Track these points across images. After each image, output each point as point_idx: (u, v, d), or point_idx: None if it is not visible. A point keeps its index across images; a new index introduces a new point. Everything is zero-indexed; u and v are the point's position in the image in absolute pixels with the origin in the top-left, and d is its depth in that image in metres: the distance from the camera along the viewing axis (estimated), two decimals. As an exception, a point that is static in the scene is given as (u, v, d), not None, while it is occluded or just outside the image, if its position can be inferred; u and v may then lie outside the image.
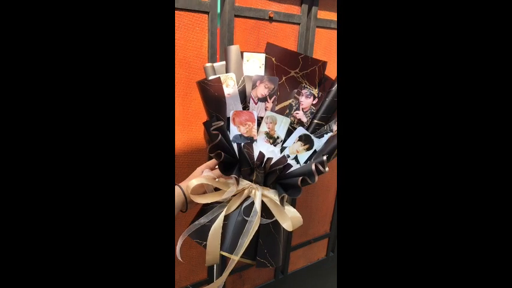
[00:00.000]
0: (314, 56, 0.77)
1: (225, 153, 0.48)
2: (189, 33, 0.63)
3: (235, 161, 0.51)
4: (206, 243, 0.50)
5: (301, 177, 0.47)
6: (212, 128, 0.48)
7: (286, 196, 0.47)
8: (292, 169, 0.51)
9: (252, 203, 0.50)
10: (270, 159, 0.49)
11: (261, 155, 0.49)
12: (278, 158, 0.50)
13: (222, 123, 0.49)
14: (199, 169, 0.54)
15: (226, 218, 0.51)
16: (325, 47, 0.81)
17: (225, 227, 0.50)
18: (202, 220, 0.52)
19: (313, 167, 0.46)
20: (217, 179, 0.51)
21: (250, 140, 0.54)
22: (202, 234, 0.51)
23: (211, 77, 0.54)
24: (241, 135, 0.54)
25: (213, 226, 0.50)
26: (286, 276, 1.03)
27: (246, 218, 0.50)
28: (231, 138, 0.54)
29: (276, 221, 0.51)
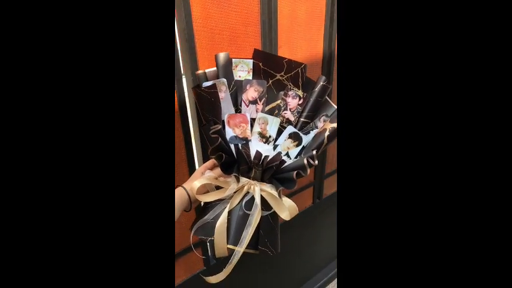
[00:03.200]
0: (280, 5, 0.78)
1: (225, 153, 0.52)
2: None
3: (234, 161, 0.55)
4: (211, 239, 0.54)
5: (295, 171, 0.52)
6: (211, 132, 0.52)
7: (282, 189, 0.53)
8: (285, 164, 0.57)
9: (252, 198, 0.55)
10: (266, 157, 0.54)
11: (258, 153, 0.54)
12: (273, 155, 0.55)
13: (220, 126, 0.53)
14: (198, 171, 0.57)
15: (228, 213, 0.55)
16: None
17: (228, 222, 0.55)
18: (207, 217, 0.56)
19: (305, 161, 0.52)
20: (218, 178, 0.55)
21: (245, 141, 0.59)
22: (207, 230, 0.55)
23: (205, 83, 0.57)
24: (236, 137, 0.58)
25: (218, 222, 0.54)
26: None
27: (248, 212, 0.55)
28: (227, 140, 0.58)
29: (274, 212, 0.57)
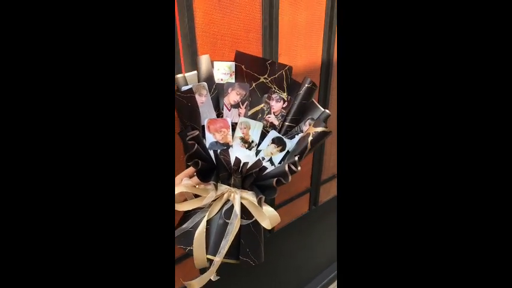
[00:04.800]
0: (281, 5, 0.78)
1: (202, 161, 0.50)
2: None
3: (213, 167, 0.53)
4: (190, 249, 0.52)
5: (276, 179, 0.50)
6: (188, 138, 0.50)
7: (264, 197, 0.50)
8: (267, 171, 0.54)
9: (232, 206, 0.53)
10: (246, 163, 0.52)
11: (238, 160, 0.52)
12: (254, 161, 0.53)
13: (197, 132, 0.51)
14: (177, 178, 0.55)
15: (208, 222, 0.53)
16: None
17: (207, 231, 0.53)
18: (186, 225, 0.54)
19: (286, 167, 0.50)
20: (196, 186, 0.53)
21: (226, 146, 0.57)
22: (186, 240, 0.53)
23: (183, 88, 0.56)
24: (217, 142, 0.56)
25: (197, 231, 0.52)
26: (273, 234, 1.09)
27: (227, 221, 0.53)
28: (207, 146, 0.56)
29: (256, 220, 0.54)
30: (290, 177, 0.50)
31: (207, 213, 0.53)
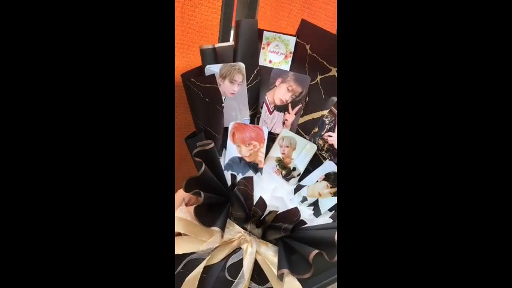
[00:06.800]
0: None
1: (209, 191, 0.33)
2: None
3: (224, 202, 0.35)
4: (175, 296, 0.38)
5: (315, 251, 0.30)
6: (195, 152, 0.32)
7: (287, 272, 0.32)
8: (305, 226, 0.35)
9: (241, 261, 0.36)
10: (273, 212, 0.33)
11: (262, 202, 0.33)
12: (286, 210, 0.33)
13: (212, 144, 0.33)
14: (180, 193, 0.39)
15: (205, 269, 0.37)
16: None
17: (202, 281, 0.37)
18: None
19: (336, 236, 0.30)
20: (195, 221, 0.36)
21: (253, 169, 0.37)
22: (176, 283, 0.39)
23: (210, 68, 0.36)
24: (240, 160, 0.38)
25: (187, 277, 0.37)
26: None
27: (231, 279, 0.36)
28: (225, 163, 0.38)
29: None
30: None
31: (206, 258, 0.37)
